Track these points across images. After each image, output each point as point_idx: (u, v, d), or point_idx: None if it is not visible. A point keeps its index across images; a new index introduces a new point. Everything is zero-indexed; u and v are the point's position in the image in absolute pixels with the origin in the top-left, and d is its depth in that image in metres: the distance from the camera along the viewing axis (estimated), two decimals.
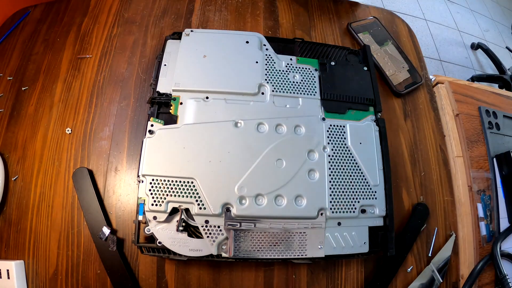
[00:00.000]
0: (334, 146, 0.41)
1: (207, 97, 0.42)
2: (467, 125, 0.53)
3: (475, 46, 1.87)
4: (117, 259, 0.40)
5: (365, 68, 0.47)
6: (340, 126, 0.43)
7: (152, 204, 0.36)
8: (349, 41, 0.58)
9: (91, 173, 0.44)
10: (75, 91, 0.49)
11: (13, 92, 0.49)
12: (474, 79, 1.60)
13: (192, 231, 0.38)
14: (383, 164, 0.42)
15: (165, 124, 0.40)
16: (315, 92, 0.44)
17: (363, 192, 0.40)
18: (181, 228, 0.36)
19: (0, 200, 0.43)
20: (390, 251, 0.39)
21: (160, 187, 0.37)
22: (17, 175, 0.44)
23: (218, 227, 0.37)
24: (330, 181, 0.40)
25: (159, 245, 0.36)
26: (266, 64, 0.45)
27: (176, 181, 0.37)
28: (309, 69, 0.46)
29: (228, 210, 0.37)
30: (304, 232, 0.38)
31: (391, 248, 0.39)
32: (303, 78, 0.45)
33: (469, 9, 2.10)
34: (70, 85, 0.49)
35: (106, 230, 0.40)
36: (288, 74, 0.45)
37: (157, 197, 0.37)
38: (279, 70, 0.45)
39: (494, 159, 0.51)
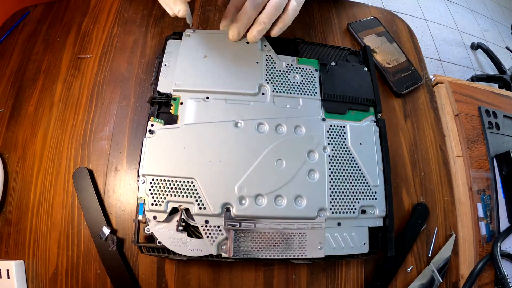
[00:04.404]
0: (334, 147, 0.41)
1: (207, 97, 0.42)
2: (467, 125, 0.53)
3: (475, 46, 1.87)
4: (117, 259, 0.40)
5: (366, 69, 0.47)
6: (340, 126, 0.43)
7: (152, 204, 0.36)
8: (349, 41, 0.58)
9: (91, 173, 0.44)
10: (75, 91, 0.49)
11: (13, 92, 0.49)
12: (474, 79, 1.60)
13: (192, 231, 0.38)
14: (383, 165, 0.42)
15: (165, 124, 0.40)
16: (316, 92, 0.44)
17: (363, 192, 0.40)
18: (181, 228, 0.36)
19: (0, 199, 0.43)
20: (390, 251, 0.39)
21: (160, 187, 0.37)
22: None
23: (218, 227, 0.37)
24: (330, 182, 0.40)
25: (158, 245, 0.36)
26: (266, 65, 0.45)
27: (176, 181, 0.37)
28: (309, 69, 0.46)
29: (228, 210, 0.37)
30: (304, 233, 0.38)
31: (391, 249, 0.40)
32: (304, 78, 0.45)
33: (469, 9, 2.11)
34: (70, 85, 0.49)
35: (106, 230, 0.40)
36: (288, 74, 0.45)
37: (157, 197, 0.37)
38: (280, 71, 0.45)
39: (494, 159, 0.51)
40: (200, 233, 0.37)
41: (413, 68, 0.56)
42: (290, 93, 0.44)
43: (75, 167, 0.44)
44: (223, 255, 0.36)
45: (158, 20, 0.55)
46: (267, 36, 0.47)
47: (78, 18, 0.54)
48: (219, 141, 0.39)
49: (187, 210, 0.37)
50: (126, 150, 0.45)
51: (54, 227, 0.42)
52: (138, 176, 0.38)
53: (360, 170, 0.41)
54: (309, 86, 0.44)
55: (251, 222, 0.37)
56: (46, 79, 0.50)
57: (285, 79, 0.44)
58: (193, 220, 0.37)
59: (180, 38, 0.46)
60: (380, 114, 0.45)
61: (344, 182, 0.40)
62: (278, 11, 0.41)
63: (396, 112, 0.53)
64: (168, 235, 0.36)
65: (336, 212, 0.39)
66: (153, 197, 0.37)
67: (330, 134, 0.42)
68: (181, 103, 0.41)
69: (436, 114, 0.54)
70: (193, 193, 0.37)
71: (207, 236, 0.36)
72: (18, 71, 0.51)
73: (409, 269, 0.45)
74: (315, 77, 0.45)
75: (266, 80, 0.44)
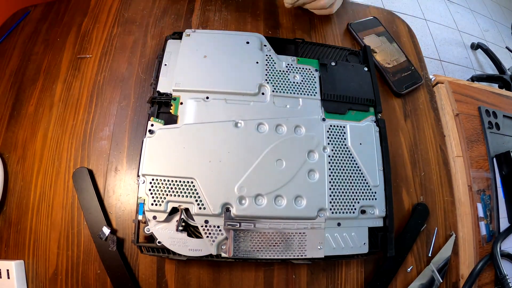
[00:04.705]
0: (334, 147, 0.41)
1: (207, 97, 0.42)
2: (467, 125, 0.53)
3: (475, 46, 1.87)
4: (117, 259, 0.40)
5: (366, 69, 0.47)
6: (340, 126, 0.43)
7: (152, 204, 0.36)
8: (349, 41, 0.58)
9: (91, 173, 0.44)
10: (75, 91, 0.49)
11: (13, 92, 0.49)
12: (474, 79, 1.60)
13: (191, 231, 0.38)
14: (383, 165, 0.42)
15: (165, 124, 0.40)
16: (316, 92, 0.44)
17: (363, 192, 0.40)
18: (180, 228, 0.36)
19: (0, 199, 0.43)
20: (390, 252, 0.39)
21: (160, 187, 0.37)
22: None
23: (218, 227, 0.37)
24: (330, 182, 0.40)
25: (158, 244, 0.36)
26: (266, 65, 0.45)
27: (176, 181, 0.37)
28: (309, 69, 0.46)
29: (227, 210, 0.37)
30: (303, 233, 0.38)
31: (391, 249, 0.40)
32: (304, 78, 0.45)
33: (469, 9, 2.11)
34: (70, 85, 0.49)
35: (106, 230, 0.40)
36: (288, 74, 0.45)
37: (157, 197, 0.37)
38: (280, 71, 0.45)
39: (494, 159, 0.51)
40: (200, 233, 0.37)
41: (413, 68, 0.56)
42: (290, 93, 0.44)
43: (75, 167, 0.44)
44: (223, 255, 0.36)
45: (158, 20, 0.55)
46: (267, 36, 0.47)
47: (78, 18, 0.54)
48: (219, 141, 0.39)
49: (187, 210, 0.37)
50: (126, 150, 0.45)
51: (54, 227, 0.42)
52: (138, 176, 0.38)
53: (360, 170, 0.41)
54: (309, 86, 0.44)
55: (251, 222, 0.37)
56: (46, 79, 0.50)
57: (285, 79, 0.44)
58: (193, 220, 0.37)
59: (180, 38, 0.46)
60: (380, 114, 0.45)
61: (344, 182, 0.40)
62: None
63: (396, 112, 0.53)
64: (168, 235, 0.36)
65: (336, 212, 0.39)
66: (153, 197, 0.37)
67: (330, 134, 0.42)
68: (181, 103, 0.41)
69: (436, 114, 0.54)
70: (193, 193, 0.37)
71: (207, 236, 0.36)
72: (18, 71, 0.51)
73: (409, 269, 0.45)
74: (315, 77, 0.45)
75: (266, 80, 0.44)
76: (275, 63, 0.45)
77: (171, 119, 0.41)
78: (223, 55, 0.45)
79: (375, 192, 0.40)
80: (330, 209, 0.39)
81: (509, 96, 0.59)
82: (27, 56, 0.52)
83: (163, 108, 0.42)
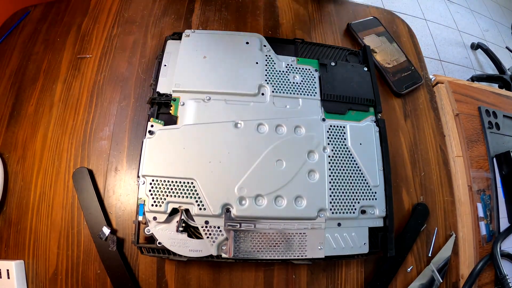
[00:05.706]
0: (334, 147, 0.41)
1: (207, 98, 0.41)
2: (467, 125, 0.53)
3: (475, 46, 1.87)
4: (117, 259, 0.40)
5: (365, 69, 0.47)
6: (340, 126, 0.43)
7: (152, 205, 0.36)
8: (349, 41, 0.58)
9: (91, 173, 0.44)
10: (75, 91, 0.49)
11: (13, 92, 0.49)
12: (474, 79, 1.60)
13: (192, 231, 0.38)
14: (383, 165, 0.42)
15: (165, 124, 0.40)
16: (315, 92, 0.44)
17: (363, 192, 0.40)
18: (181, 228, 0.36)
19: (0, 199, 0.43)
20: (390, 252, 0.39)
21: (160, 188, 0.37)
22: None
23: (218, 227, 0.37)
24: (330, 182, 0.40)
25: (159, 245, 0.36)
26: (266, 65, 0.45)
27: (176, 182, 0.37)
28: (309, 69, 0.46)
29: (228, 210, 0.37)
30: (304, 233, 0.38)
31: (391, 249, 0.40)
32: (303, 78, 0.45)
33: (469, 9, 2.10)
34: (70, 85, 0.49)
35: (106, 230, 0.40)
36: (288, 74, 0.45)
37: (157, 198, 0.37)
38: (279, 71, 0.45)
39: (494, 159, 0.51)
40: (200, 234, 0.37)
41: (413, 68, 0.56)
42: (290, 93, 0.43)
43: (75, 167, 0.44)
44: (223, 255, 0.36)
45: (158, 20, 0.55)
46: (267, 36, 0.47)
47: (78, 18, 0.54)
48: (219, 141, 0.39)
49: (187, 210, 0.37)
50: (126, 150, 0.45)
51: (54, 227, 0.42)
52: (138, 177, 0.38)
53: (360, 170, 0.41)
54: (309, 86, 0.44)
55: (251, 222, 0.37)
56: (46, 79, 0.50)
57: (285, 79, 0.44)
58: (193, 220, 0.37)
59: (180, 38, 0.46)
60: (380, 114, 0.45)
61: (344, 183, 0.40)
62: None
63: (396, 112, 0.53)
64: (168, 235, 0.36)
65: (336, 213, 0.39)
66: (153, 198, 0.37)
67: (330, 134, 0.42)
68: (181, 104, 0.41)
69: (436, 114, 0.54)
70: (193, 193, 0.37)
71: (207, 237, 0.36)
72: (18, 71, 0.51)
73: (409, 269, 0.45)
74: (315, 77, 0.45)
75: (266, 80, 0.44)
76: (275, 63, 0.45)
77: (171, 120, 0.41)
78: (223, 56, 0.45)
79: (375, 192, 0.40)
80: (330, 209, 0.39)
81: (509, 96, 0.59)
82: (27, 56, 0.52)
83: (163, 108, 0.41)
